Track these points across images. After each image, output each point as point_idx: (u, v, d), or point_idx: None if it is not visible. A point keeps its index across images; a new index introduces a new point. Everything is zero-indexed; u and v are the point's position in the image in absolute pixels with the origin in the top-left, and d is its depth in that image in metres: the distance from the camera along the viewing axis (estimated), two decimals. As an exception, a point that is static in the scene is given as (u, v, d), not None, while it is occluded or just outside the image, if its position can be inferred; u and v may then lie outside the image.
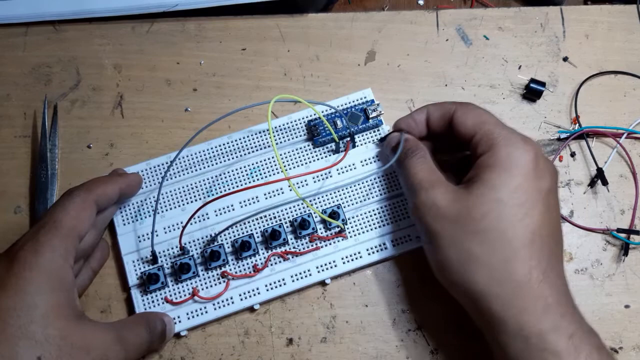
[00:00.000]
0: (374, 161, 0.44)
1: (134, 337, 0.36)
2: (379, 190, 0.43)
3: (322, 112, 0.44)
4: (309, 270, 0.41)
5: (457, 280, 0.35)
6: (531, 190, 0.34)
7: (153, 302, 0.41)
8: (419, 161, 0.38)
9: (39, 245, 0.33)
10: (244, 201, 0.43)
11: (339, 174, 0.44)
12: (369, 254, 0.42)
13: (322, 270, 0.41)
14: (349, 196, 0.43)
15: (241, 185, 0.43)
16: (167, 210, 0.43)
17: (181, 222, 0.42)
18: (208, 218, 0.43)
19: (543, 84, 0.46)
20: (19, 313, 0.31)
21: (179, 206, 0.43)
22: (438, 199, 0.36)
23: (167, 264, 0.42)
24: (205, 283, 0.41)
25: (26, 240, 0.33)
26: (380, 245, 0.42)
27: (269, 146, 0.44)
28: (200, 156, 0.44)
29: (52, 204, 0.40)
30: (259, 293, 0.41)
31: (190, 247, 0.42)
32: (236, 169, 0.44)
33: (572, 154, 0.45)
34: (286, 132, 0.45)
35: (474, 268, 0.33)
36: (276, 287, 0.41)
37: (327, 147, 0.44)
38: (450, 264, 0.35)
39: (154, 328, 0.38)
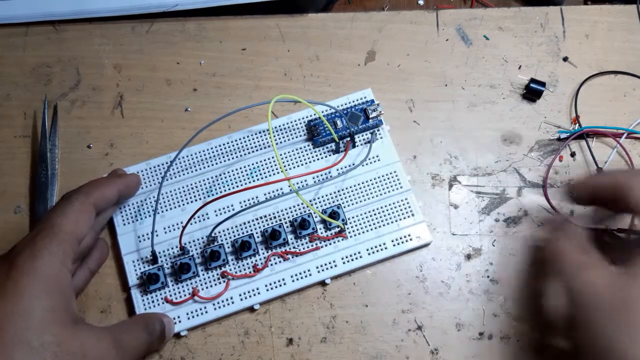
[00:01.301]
0: (374, 161, 0.44)
1: (132, 339, 0.36)
2: (379, 190, 0.43)
3: (322, 112, 0.44)
4: (309, 270, 0.41)
5: None
6: None
7: (153, 302, 0.41)
8: (566, 243, 0.34)
9: (36, 250, 0.33)
10: (244, 201, 0.43)
11: (339, 174, 0.44)
12: (369, 254, 0.42)
13: (322, 270, 0.41)
14: (349, 196, 0.43)
15: (241, 185, 0.43)
16: (167, 210, 0.43)
17: (181, 222, 0.42)
18: (208, 218, 0.43)
19: (543, 84, 0.46)
20: (16, 319, 0.31)
21: (179, 206, 0.43)
22: (591, 283, 0.32)
23: (167, 264, 0.42)
24: (205, 283, 0.41)
25: (24, 246, 0.33)
26: (380, 245, 0.42)
27: (269, 146, 0.44)
28: (200, 156, 0.44)
29: (50, 207, 0.40)
30: (259, 293, 0.41)
31: (190, 247, 0.42)
32: (236, 169, 0.44)
33: (572, 154, 0.45)
34: (286, 132, 0.45)
35: None
36: (276, 287, 0.41)
37: (327, 147, 0.44)
38: (593, 353, 0.32)
39: (153, 329, 0.38)
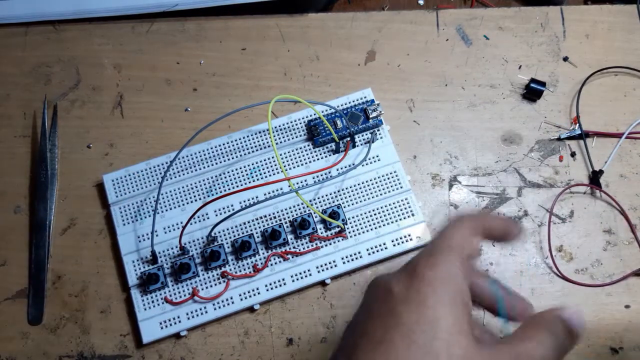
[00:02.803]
0: (374, 161, 0.44)
1: (535, 348, 0.30)
2: (379, 190, 0.43)
3: (322, 112, 0.44)
4: (309, 270, 0.41)
5: None
6: None
7: (153, 302, 0.41)
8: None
9: (434, 259, 0.30)
10: (244, 201, 0.43)
11: (339, 174, 0.44)
12: (369, 254, 0.42)
13: (322, 270, 0.41)
14: (349, 196, 0.43)
15: (241, 185, 0.43)
16: (167, 210, 0.43)
17: (181, 222, 0.42)
18: (208, 218, 0.43)
19: (543, 84, 0.46)
20: (423, 327, 0.28)
21: (179, 206, 0.43)
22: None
23: (167, 264, 0.42)
24: (205, 283, 0.41)
25: (420, 257, 0.30)
26: (380, 245, 0.42)
27: (269, 146, 0.44)
28: (200, 156, 0.44)
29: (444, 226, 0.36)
30: (259, 293, 0.41)
31: (190, 247, 0.42)
32: (236, 169, 0.44)
33: (572, 154, 0.45)
34: (286, 132, 0.45)
35: None
36: (276, 287, 0.41)
37: (327, 147, 0.44)
38: None
39: (555, 329, 0.31)
